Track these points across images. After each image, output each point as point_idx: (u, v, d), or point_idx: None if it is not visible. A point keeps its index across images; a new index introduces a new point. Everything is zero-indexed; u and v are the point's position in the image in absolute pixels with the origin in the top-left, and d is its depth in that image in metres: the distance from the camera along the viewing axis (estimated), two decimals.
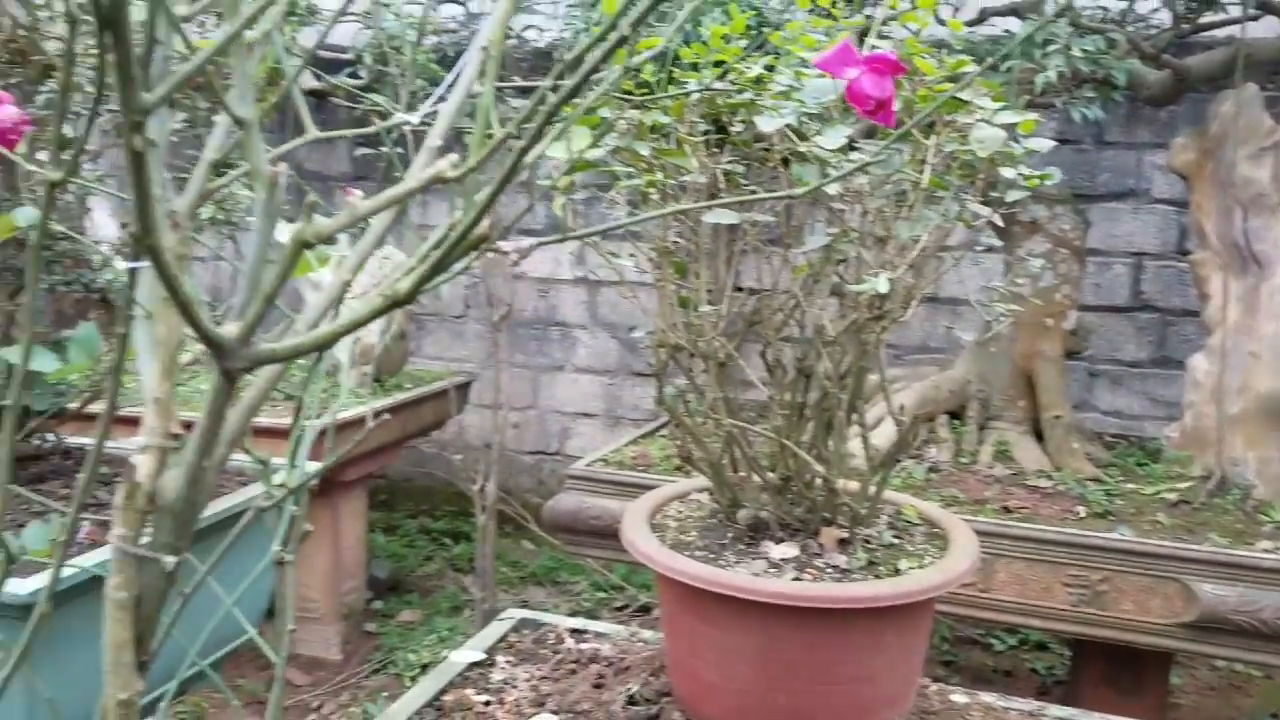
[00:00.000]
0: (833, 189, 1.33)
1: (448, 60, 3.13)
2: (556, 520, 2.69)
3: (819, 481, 1.45)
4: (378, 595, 3.73)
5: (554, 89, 0.53)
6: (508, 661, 1.81)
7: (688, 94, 1.34)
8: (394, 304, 0.61)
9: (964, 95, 1.30)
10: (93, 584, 1.63)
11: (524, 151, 0.55)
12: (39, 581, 1.68)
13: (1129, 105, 3.30)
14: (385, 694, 3.06)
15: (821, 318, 1.43)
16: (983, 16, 2.97)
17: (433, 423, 3.67)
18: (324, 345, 0.64)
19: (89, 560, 1.70)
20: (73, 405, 2.12)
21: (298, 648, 3.26)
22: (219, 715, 3.00)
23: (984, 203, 1.40)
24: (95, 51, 0.53)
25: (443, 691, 1.67)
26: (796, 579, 1.36)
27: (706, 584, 1.33)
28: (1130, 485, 2.72)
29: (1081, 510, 2.53)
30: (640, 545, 1.44)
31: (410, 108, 0.95)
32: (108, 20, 0.46)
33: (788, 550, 1.43)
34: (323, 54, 3.24)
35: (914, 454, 2.84)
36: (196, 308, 0.59)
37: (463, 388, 3.78)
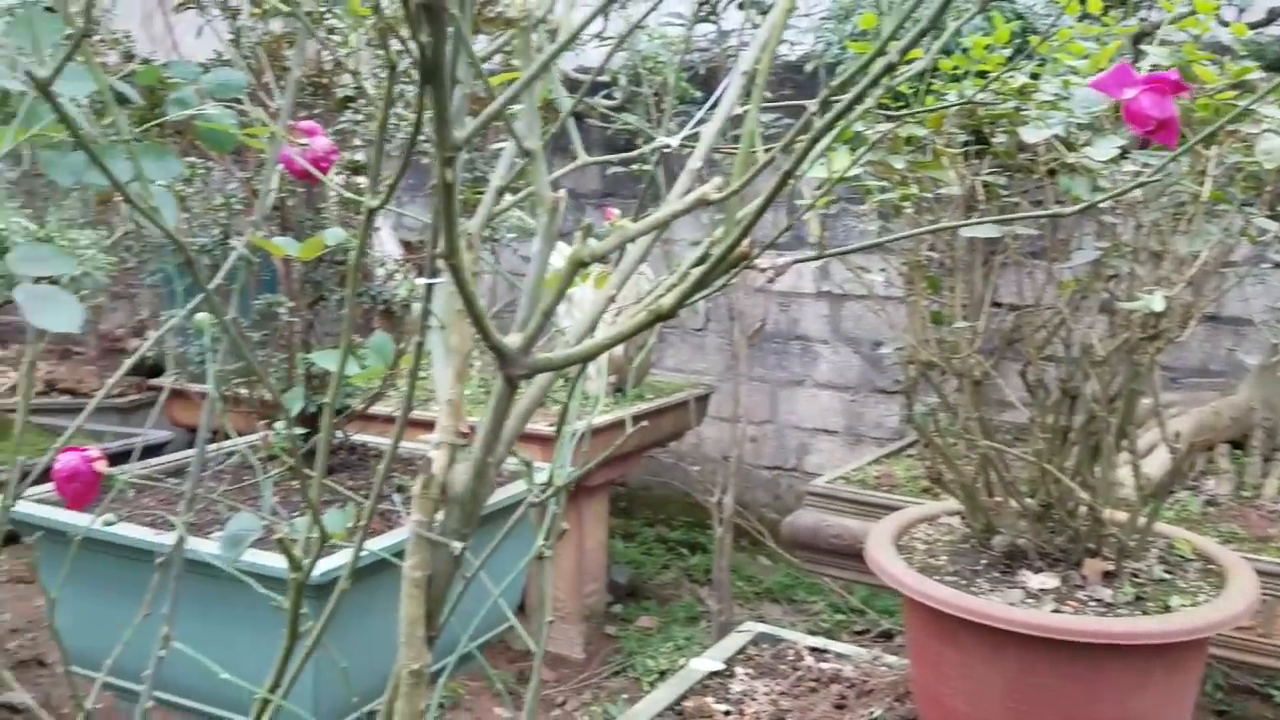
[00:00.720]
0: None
1: (698, 78, 3.20)
2: (795, 537, 2.68)
3: (1083, 510, 1.38)
4: (617, 599, 3.84)
5: (819, 111, 0.54)
6: (746, 674, 1.82)
7: (948, 106, 1.32)
8: (658, 318, 0.64)
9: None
10: (372, 567, 1.78)
11: (789, 174, 0.56)
12: (326, 564, 1.84)
13: None
14: (625, 696, 3.14)
15: (1089, 336, 1.36)
16: (1271, 17, 2.72)
17: (672, 433, 3.75)
18: (594, 356, 0.68)
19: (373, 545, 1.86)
20: (358, 406, 2.33)
21: (547, 645, 3.40)
22: (473, 702, 3.18)
23: (1271, 216, 1.29)
24: (393, 90, 0.59)
25: (683, 697, 1.70)
26: (1056, 611, 1.30)
27: (958, 610, 1.30)
28: None
29: None
30: (887, 566, 1.42)
31: (660, 124, 0.99)
32: (429, 72, 0.51)
33: (1047, 580, 1.36)
34: (577, 76, 3.40)
35: (1189, 485, 2.63)
36: (487, 320, 0.64)
37: (702, 400, 3.83)
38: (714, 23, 2.90)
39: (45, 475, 1.15)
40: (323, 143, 1.20)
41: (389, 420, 3.21)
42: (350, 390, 2.22)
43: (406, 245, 3.19)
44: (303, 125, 1.20)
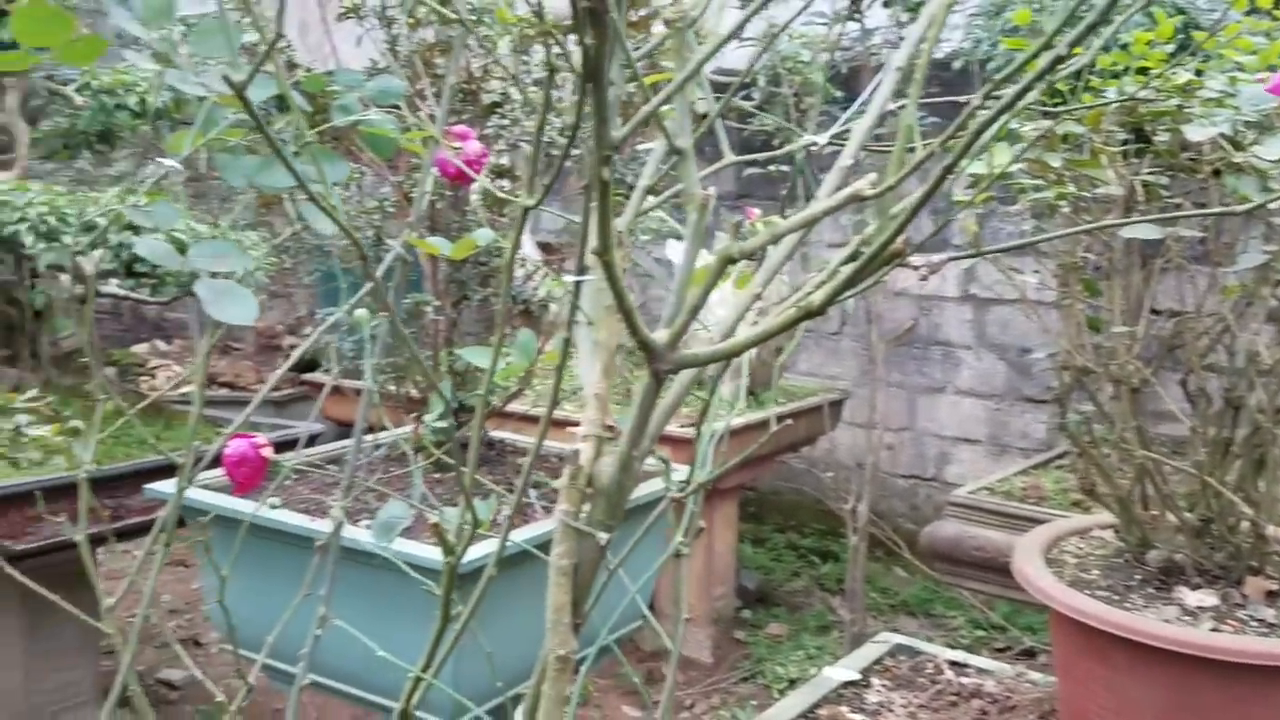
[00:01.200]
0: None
1: (839, 78, 3.16)
2: (935, 548, 2.61)
3: (1246, 525, 1.30)
4: (746, 605, 3.82)
5: (982, 106, 0.53)
6: (883, 685, 1.79)
7: (1107, 103, 1.27)
8: (807, 315, 0.64)
9: None
10: (510, 558, 1.82)
11: (949, 169, 0.55)
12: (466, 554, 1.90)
13: None
14: (754, 702, 3.12)
15: (1255, 344, 1.29)
16: None
17: (804, 438, 3.71)
18: (740, 352, 0.68)
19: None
20: (496, 403, 2.39)
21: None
22: (601, 699, 3.22)
23: None
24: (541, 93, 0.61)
25: (817, 705, 1.68)
26: (1215, 630, 1.24)
27: (1111, 627, 1.25)
28: None
29: None
30: (1035, 579, 1.38)
31: (799, 125, 0.98)
32: (591, 73, 0.52)
33: (1205, 598, 1.29)
34: (716, 78, 3.39)
35: None
36: (637, 315, 0.66)
37: (836, 404, 3.78)
38: (858, 20, 2.86)
39: (212, 462, 1.22)
40: (475, 146, 1.24)
41: (524, 418, 3.28)
42: (490, 387, 2.28)
43: (544, 247, 3.25)
44: (456, 130, 1.25)
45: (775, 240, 0.63)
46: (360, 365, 2.48)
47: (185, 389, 3.43)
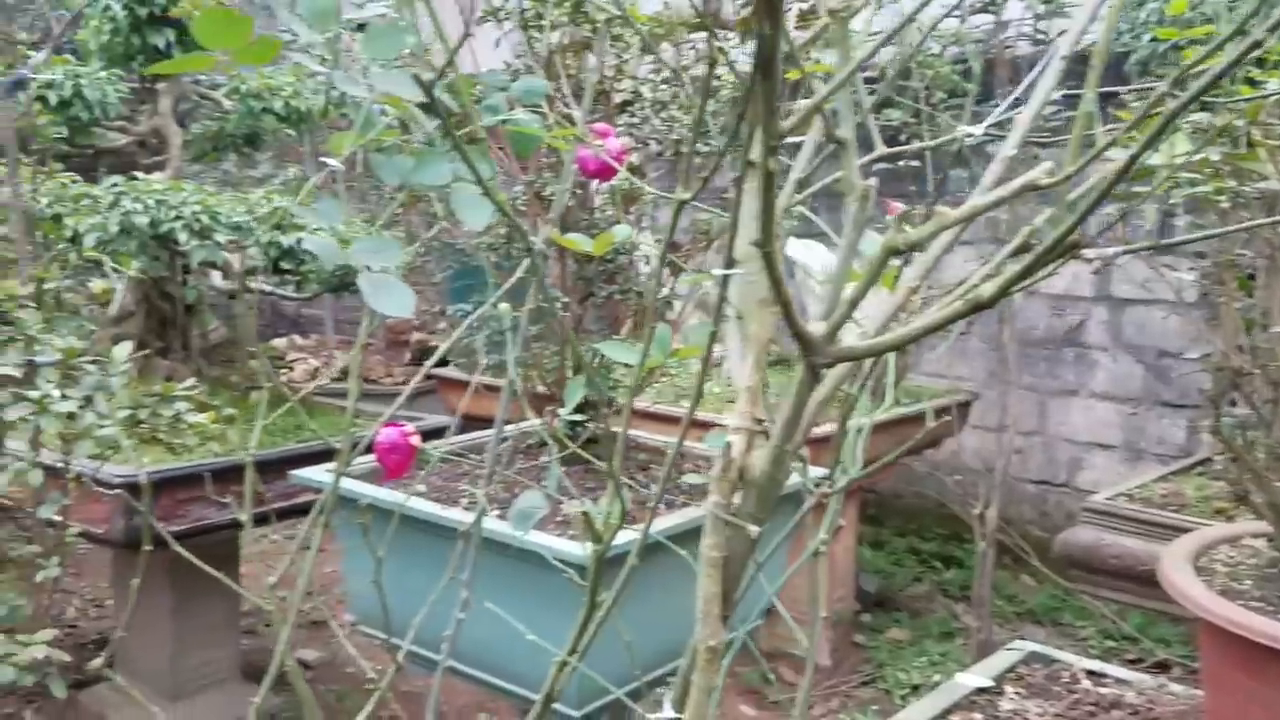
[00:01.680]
0: None
1: (970, 72, 3.09)
2: (1070, 554, 2.53)
3: None
4: (865, 608, 3.77)
5: (1171, 93, 0.51)
6: (1017, 693, 1.75)
7: (1266, 95, 1.21)
8: (976, 308, 0.63)
9: None
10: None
11: (1135, 158, 0.54)
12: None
13: None
14: (875, 707, 3.08)
15: None
16: None
17: (928, 441, 3.63)
18: (899, 346, 0.68)
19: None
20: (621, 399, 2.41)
21: (790, 647, 3.40)
22: (719, 696, 3.22)
23: None
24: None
25: (949, 711, 1.65)
26: None
27: (1266, 639, 1.19)
28: None
29: None
30: (1185, 588, 1.32)
31: (930, 119, 0.97)
32: (763, 64, 0.53)
33: None
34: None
35: None
36: (794, 308, 0.66)
37: (964, 406, 3.69)
38: (993, 13, 2.79)
39: (363, 450, 1.27)
40: (616, 143, 1.26)
41: (642, 413, 3.30)
42: (613, 383, 2.31)
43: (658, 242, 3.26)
44: (597, 127, 1.27)
45: (943, 230, 0.62)
46: (490, 360, 2.54)
47: (322, 382, 3.57)
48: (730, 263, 0.86)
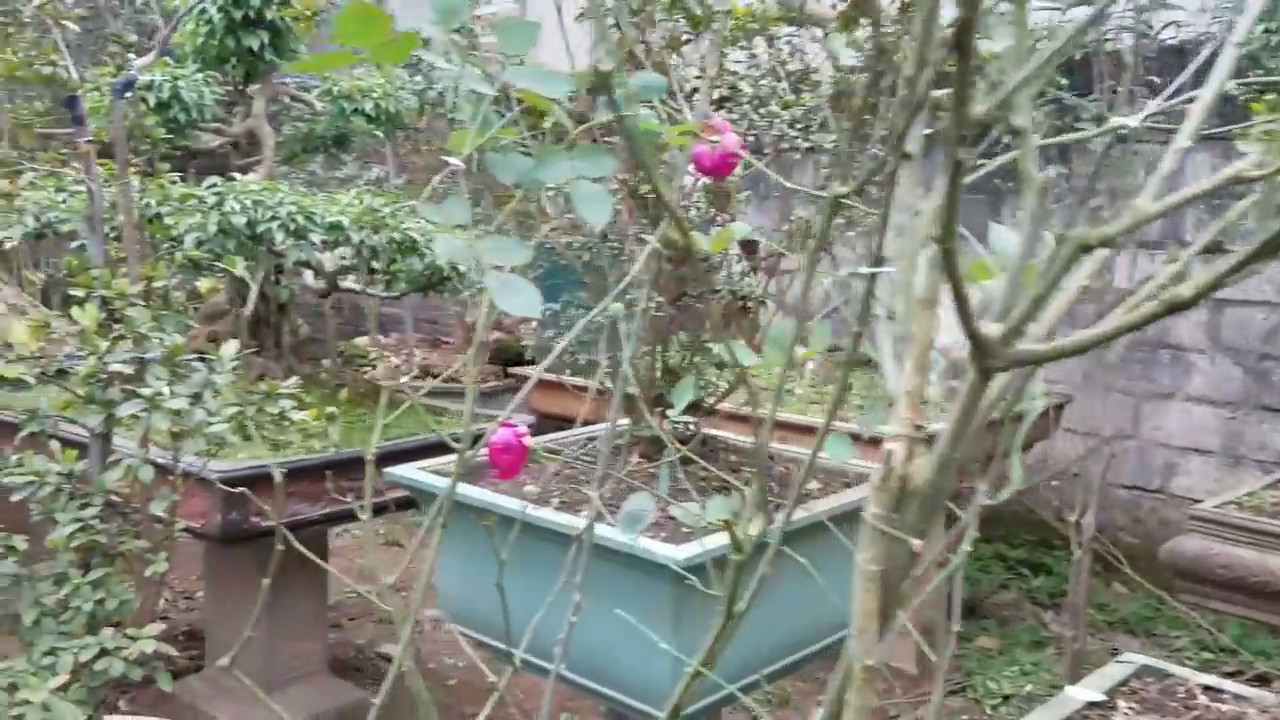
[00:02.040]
0: None
1: (1064, 66, 3.00)
2: (1176, 564, 2.44)
3: None
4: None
5: None
6: (1130, 708, 1.69)
7: None
8: (1172, 309, 0.59)
9: None
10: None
11: None
12: (691, 550, 1.88)
13: None
14: (965, 717, 3.01)
15: None
16: None
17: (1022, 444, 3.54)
18: (1084, 350, 0.64)
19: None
20: (710, 401, 2.38)
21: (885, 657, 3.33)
22: (799, 702, 3.18)
23: None
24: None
25: None
26: None
27: None
28: None
29: None
30: None
31: (1069, 114, 0.92)
32: (959, 45, 0.50)
33: None
34: None
35: None
36: (970, 307, 0.62)
37: (1056, 409, 3.59)
38: (1091, 4, 2.70)
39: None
40: (733, 139, 1.23)
41: (729, 415, 3.26)
42: (705, 385, 2.28)
43: (744, 245, 3.22)
44: (714, 122, 1.24)
45: (1141, 224, 0.58)
46: (576, 359, 2.53)
47: (405, 379, 3.60)
48: (879, 260, 0.82)
